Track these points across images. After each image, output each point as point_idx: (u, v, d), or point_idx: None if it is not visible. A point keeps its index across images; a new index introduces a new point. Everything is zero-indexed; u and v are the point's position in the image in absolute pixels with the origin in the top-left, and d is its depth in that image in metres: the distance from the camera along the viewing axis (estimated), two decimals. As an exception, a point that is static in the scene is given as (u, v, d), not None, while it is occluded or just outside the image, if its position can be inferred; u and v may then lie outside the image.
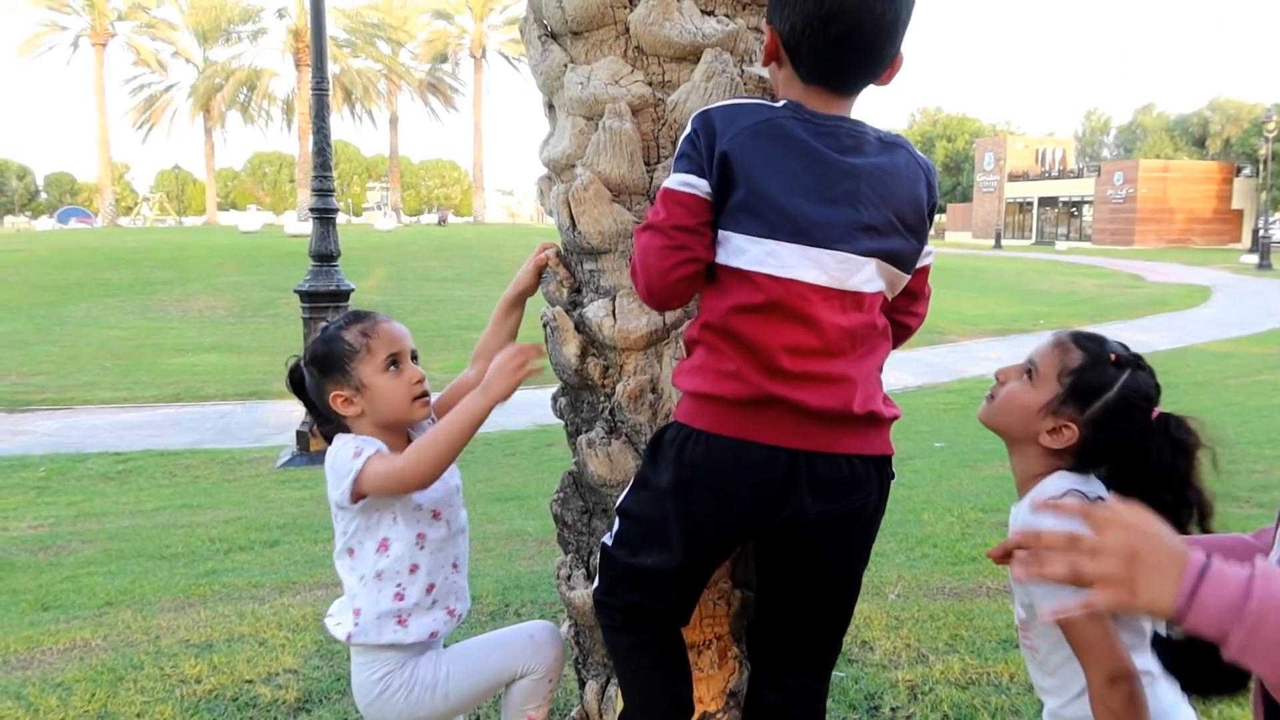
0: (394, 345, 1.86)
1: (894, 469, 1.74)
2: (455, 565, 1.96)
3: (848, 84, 1.51)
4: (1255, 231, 44.05)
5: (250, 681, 3.36)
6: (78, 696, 3.25)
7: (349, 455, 1.80)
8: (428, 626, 1.89)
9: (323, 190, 8.69)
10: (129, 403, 11.95)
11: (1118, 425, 1.50)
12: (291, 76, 51.37)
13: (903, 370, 14.27)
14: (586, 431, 1.80)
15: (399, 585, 1.85)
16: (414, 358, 1.88)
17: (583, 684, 2.11)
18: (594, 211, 1.64)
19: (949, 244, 63.39)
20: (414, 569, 1.87)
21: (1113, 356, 1.53)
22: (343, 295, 8.67)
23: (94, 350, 15.57)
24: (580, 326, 1.71)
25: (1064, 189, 65.78)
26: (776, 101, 1.50)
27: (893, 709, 3.10)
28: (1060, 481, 1.54)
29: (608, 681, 1.94)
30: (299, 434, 8.73)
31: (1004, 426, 1.63)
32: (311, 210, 8.80)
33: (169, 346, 16.12)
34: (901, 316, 1.69)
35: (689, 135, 1.47)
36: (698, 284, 1.52)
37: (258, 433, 10.21)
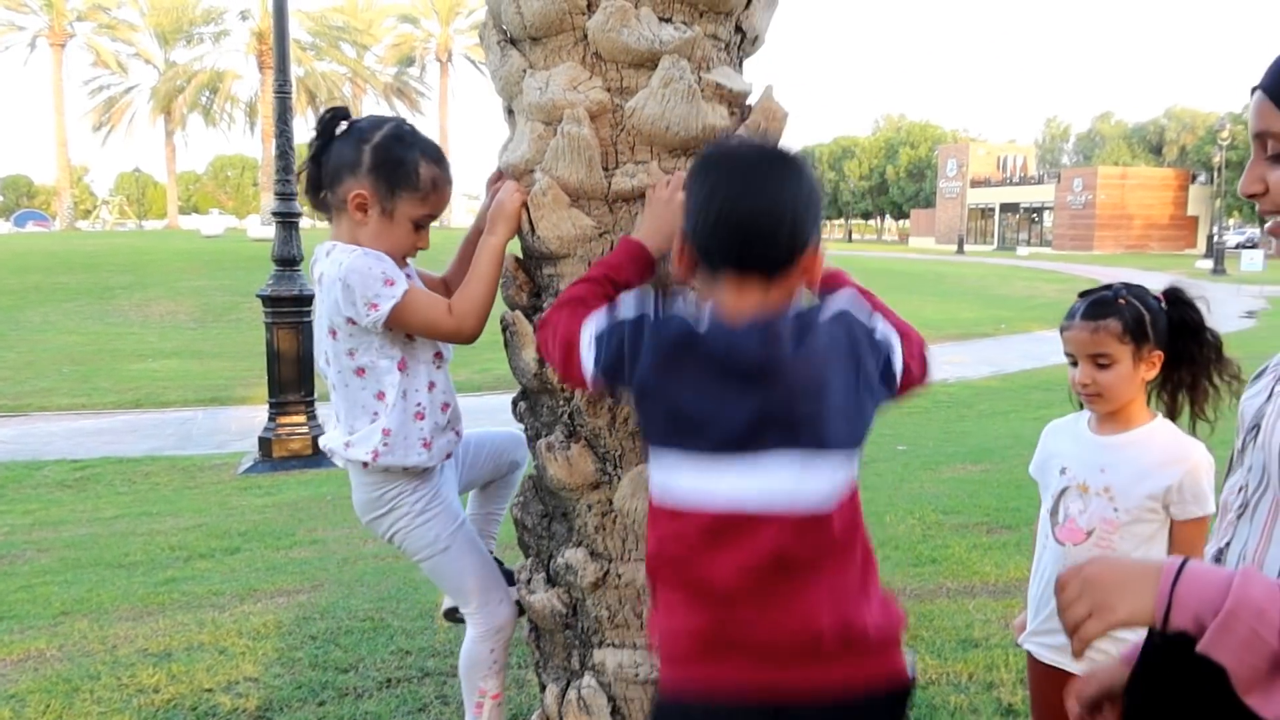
0: (437, 212, 1.83)
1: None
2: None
3: (753, 275, 1.33)
4: (1210, 237, 44.89)
5: (210, 690, 3.32)
6: (31, 709, 3.20)
7: (378, 281, 1.71)
8: (444, 448, 1.88)
9: (285, 194, 8.61)
10: (87, 409, 11.75)
11: (1172, 323, 1.96)
12: (255, 79, 50.92)
13: (867, 374, 14.38)
14: (546, 435, 1.80)
15: (419, 405, 1.82)
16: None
17: (543, 688, 2.12)
18: (553, 217, 1.65)
19: (912, 249, 64.02)
20: (431, 387, 1.84)
21: (1121, 300, 1.96)
22: (305, 300, 8.59)
23: (51, 356, 15.30)
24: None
25: (1025, 195, 66.69)
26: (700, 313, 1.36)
27: (854, 710, 3.13)
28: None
29: (567, 685, 1.95)
30: (261, 440, 8.64)
31: (1124, 402, 1.99)
32: (274, 214, 8.72)
33: (129, 352, 15.87)
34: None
35: (623, 327, 1.36)
36: None
37: (219, 439, 10.08)
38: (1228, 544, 1.15)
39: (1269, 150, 1.09)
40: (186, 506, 6.98)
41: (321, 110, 1.93)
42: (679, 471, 1.32)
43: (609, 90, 1.64)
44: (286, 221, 8.63)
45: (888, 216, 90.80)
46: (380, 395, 1.80)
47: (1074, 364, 2.03)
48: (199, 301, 20.90)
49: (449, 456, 1.94)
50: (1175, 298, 2.00)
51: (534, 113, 1.66)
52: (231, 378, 13.37)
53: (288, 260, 8.53)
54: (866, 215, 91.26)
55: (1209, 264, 37.13)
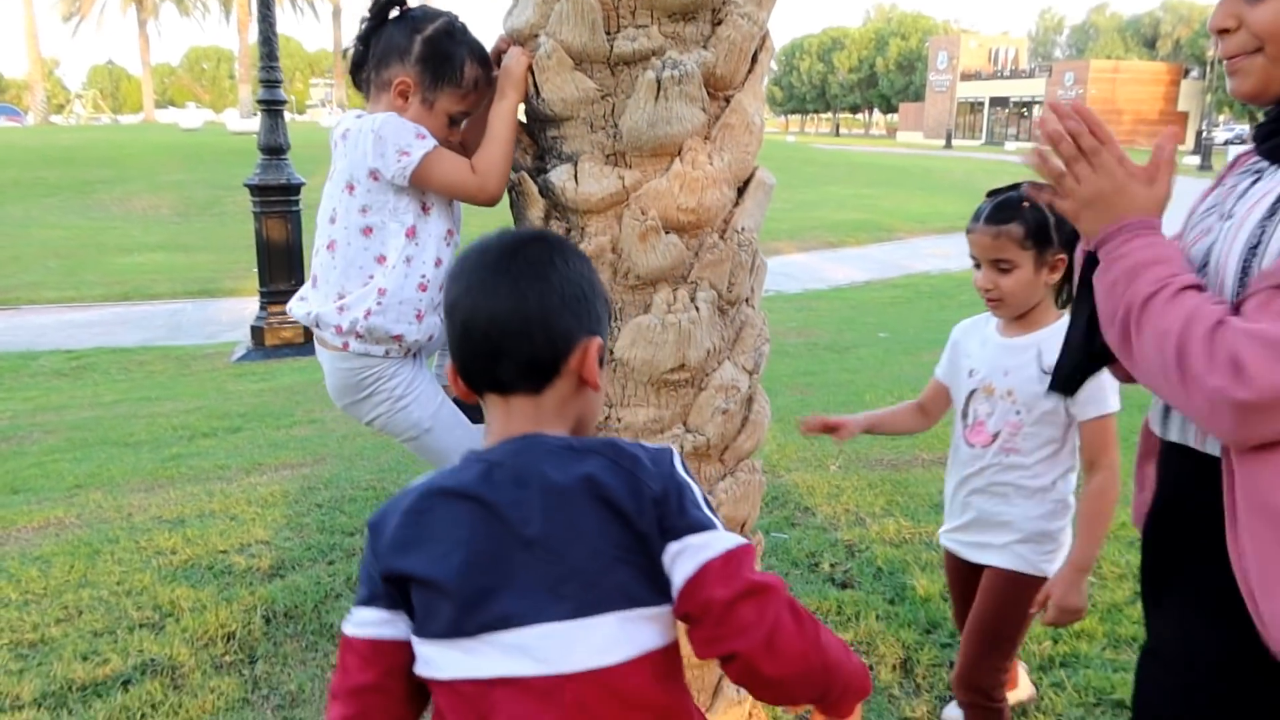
0: (474, 110, 1.88)
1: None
2: None
3: (515, 393, 1.16)
4: (1199, 133, 44.61)
5: (224, 552, 3.52)
6: (57, 568, 3.38)
7: (411, 134, 1.76)
8: (431, 327, 1.87)
9: (270, 82, 8.50)
10: (76, 302, 11.78)
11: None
12: (227, -35, 49.17)
13: (852, 266, 14.51)
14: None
15: (424, 276, 1.83)
16: None
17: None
18: (556, 79, 1.73)
19: (900, 144, 63.39)
20: (439, 263, 1.85)
21: (1025, 203, 1.93)
22: (294, 189, 8.59)
23: (36, 250, 15.21)
24: (544, 191, 1.82)
25: (1015, 89, 65.83)
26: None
27: (831, 564, 3.35)
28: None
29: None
30: (253, 329, 8.73)
31: (1027, 308, 2.01)
32: (260, 102, 8.62)
33: (113, 246, 15.79)
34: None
35: None
36: None
37: (210, 330, 10.17)
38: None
39: None
40: (184, 391, 7.12)
41: None
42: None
43: (610, -44, 1.71)
44: (272, 110, 8.55)
45: (876, 110, 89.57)
46: (381, 259, 1.82)
47: (977, 266, 2.03)
48: (181, 195, 20.69)
49: (432, 339, 1.90)
50: None
51: (537, -23, 1.74)
52: (218, 270, 13.37)
53: (274, 149, 8.48)
54: (855, 109, 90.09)
55: (1196, 160, 36.96)
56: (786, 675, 1.07)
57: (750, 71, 1.83)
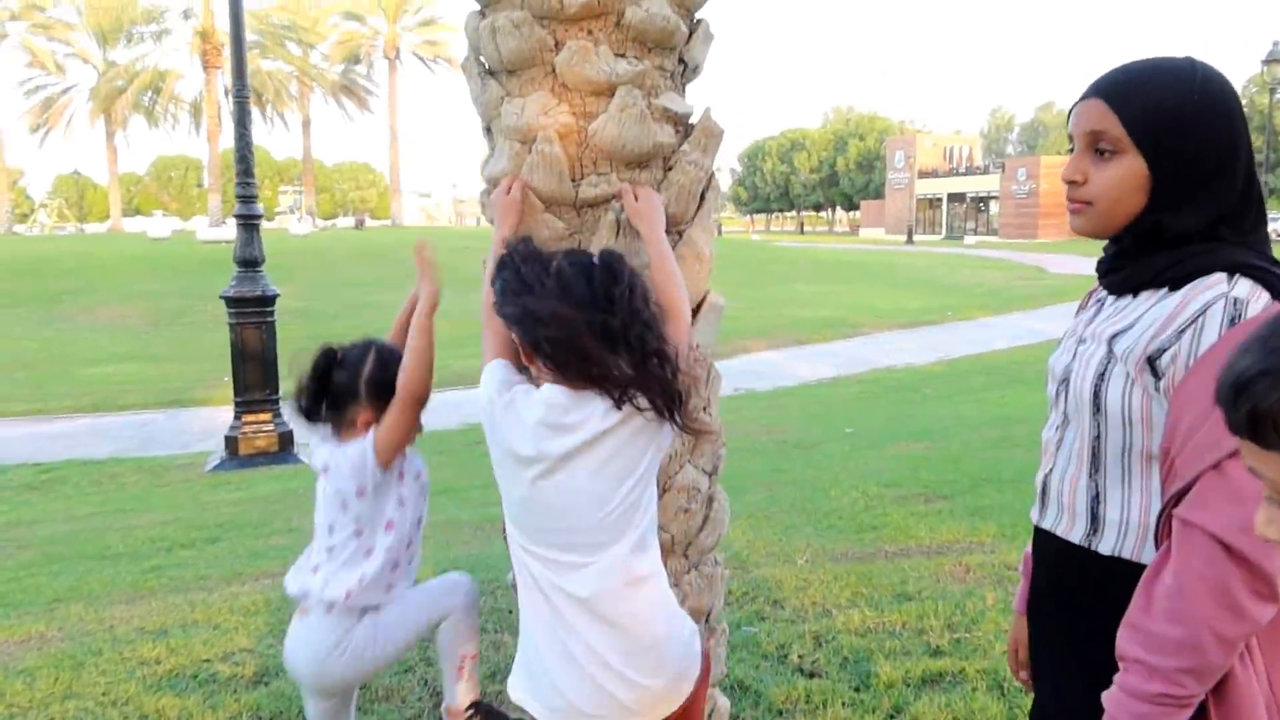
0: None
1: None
2: None
3: None
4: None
5: (208, 660, 3.59)
6: (42, 681, 3.44)
7: (358, 449, 2.11)
8: (401, 587, 2.23)
9: (246, 197, 8.79)
10: (44, 414, 11.76)
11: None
12: (198, 78, 50.24)
13: (818, 363, 14.84)
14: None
15: (396, 557, 2.17)
16: None
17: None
18: (529, 221, 1.96)
19: (864, 240, 64.96)
20: (409, 545, 2.20)
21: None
22: (269, 300, 8.79)
23: (2, 362, 15.23)
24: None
25: (971, 185, 67.89)
26: None
27: (799, 656, 3.48)
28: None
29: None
30: (227, 439, 8.81)
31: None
32: (236, 217, 8.89)
33: (81, 357, 15.82)
34: None
35: None
36: None
37: (183, 439, 10.20)
38: (1050, 470, 1.51)
39: (1099, 148, 1.39)
40: (159, 503, 7.17)
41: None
42: None
43: (574, 115, 1.94)
44: (248, 223, 8.81)
45: (839, 208, 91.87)
46: (369, 551, 2.15)
47: None
48: (150, 305, 20.80)
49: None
50: None
51: (511, 134, 1.97)
52: (190, 379, 13.44)
53: (250, 261, 8.71)
54: (818, 207, 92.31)
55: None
56: None
57: (699, 209, 2.07)
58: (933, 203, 71.48)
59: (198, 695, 3.27)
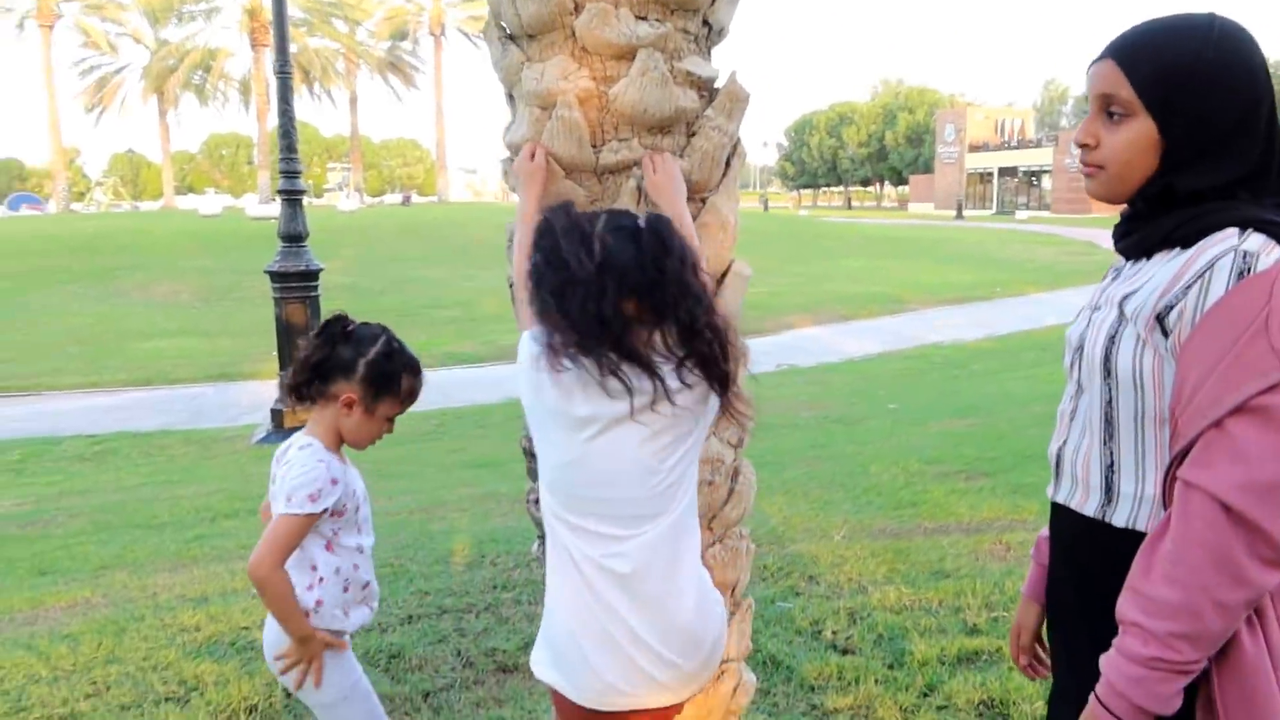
0: (405, 409, 2.15)
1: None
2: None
3: None
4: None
5: (246, 628, 3.64)
6: (85, 645, 3.52)
7: (305, 492, 1.96)
8: (360, 619, 2.15)
9: (290, 172, 8.87)
10: (98, 387, 12.04)
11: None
12: (248, 56, 50.76)
13: (863, 338, 14.69)
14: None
15: (346, 580, 2.09)
16: None
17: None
18: (550, 187, 1.93)
19: (912, 215, 64.07)
20: (356, 567, 2.11)
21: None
22: (312, 275, 8.88)
23: (57, 337, 15.59)
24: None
25: (1023, 159, 66.55)
26: None
27: (834, 632, 3.45)
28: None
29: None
30: (273, 412, 8.94)
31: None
32: (280, 192, 8.98)
33: (134, 331, 16.15)
34: None
35: None
36: None
37: (231, 413, 10.38)
38: (1065, 442, 1.45)
39: (1110, 110, 1.34)
40: (206, 475, 7.30)
41: (326, 320, 2.14)
42: None
43: (595, 79, 1.90)
44: (291, 199, 8.90)
45: (887, 183, 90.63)
46: (317, 569, 2.06)
47: None
48: (201, 280, 21.16)
49: (362, 627, 2.17)
50: None
51: (532, 99, 1.93)
52: (238, 354, 13.66)
53: (294, 236, 8.80)
54: (865, 182, 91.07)
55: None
56: None
57: (724, 176, 2.03)
58: (983, 177, 70.23)
59: (235, 661, 3.32)
